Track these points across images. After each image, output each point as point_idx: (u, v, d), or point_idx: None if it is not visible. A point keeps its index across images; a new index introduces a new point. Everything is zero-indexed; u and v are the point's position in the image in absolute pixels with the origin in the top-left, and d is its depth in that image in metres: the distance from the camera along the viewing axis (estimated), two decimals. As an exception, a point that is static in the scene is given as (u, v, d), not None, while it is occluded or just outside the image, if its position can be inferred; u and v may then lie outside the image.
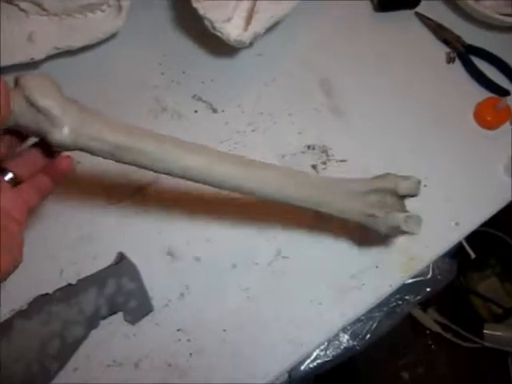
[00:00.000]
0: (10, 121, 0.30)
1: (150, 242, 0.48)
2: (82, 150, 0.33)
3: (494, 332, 1.05)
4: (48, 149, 0.33)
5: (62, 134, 0.31)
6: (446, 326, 1.08)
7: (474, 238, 0.75)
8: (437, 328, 1.08)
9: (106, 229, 0.48)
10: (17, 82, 0.31)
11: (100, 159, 0.34)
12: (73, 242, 0.48)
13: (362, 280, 0.47)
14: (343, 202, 0.41)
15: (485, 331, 1.06)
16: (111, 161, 0.35)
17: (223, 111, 0.54)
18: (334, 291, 0.47)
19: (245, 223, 0.49)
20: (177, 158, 0.36)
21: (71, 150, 0.33)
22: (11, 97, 0.30)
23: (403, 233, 0.41)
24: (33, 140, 0.34)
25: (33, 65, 0.53)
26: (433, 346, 1.12)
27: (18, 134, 0.33)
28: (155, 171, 0.36)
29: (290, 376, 0.56)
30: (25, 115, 0.30)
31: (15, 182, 0.32)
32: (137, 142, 0.34)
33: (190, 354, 0.45)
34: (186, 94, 0.55)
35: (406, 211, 0.43)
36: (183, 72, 0.56)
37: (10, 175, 0.32)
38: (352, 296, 0.47)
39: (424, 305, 1.08)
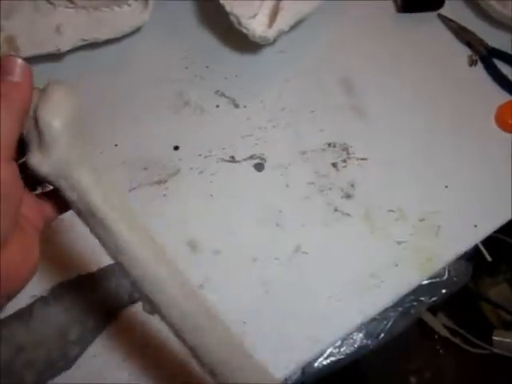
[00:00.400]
0: None
1: (171, 231, 0.48)
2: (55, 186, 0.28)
3: (503, 339, 1.05)
4: None
5: (44, 164, 0.26)
6: (454, 331, 1.08)
7: (485, 243, 0.76)
8: (445, 333, 1.08)
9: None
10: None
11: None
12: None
13: (381, 278, 0.47)
14: None
15: (494, 338, 1.05)
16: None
17: (245, 107, 0.55)
18: (353, 288, 0.47)
19: (265, 218, 0.49)
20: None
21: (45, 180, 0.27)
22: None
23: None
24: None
25: (58, 56, 0.54)
26: (441, 351, 1.12)
27: None
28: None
29: (303, 372, 0.56)
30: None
31: (39, 195, 0.31)
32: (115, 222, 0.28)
33: (208, 346, 0.45)
34: (209, 89, 0.55)
35: None
36: (207, 67, 0.56)
37: (38, 190, 0.31)
38: (371, 294, 0.47)
39: (434, 309, 1.08)
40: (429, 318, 1.08)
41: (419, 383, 1.10)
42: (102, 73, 0.55)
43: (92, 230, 0.28)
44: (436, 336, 1.10)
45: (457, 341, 1.07)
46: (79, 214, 0.28)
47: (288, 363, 0.45)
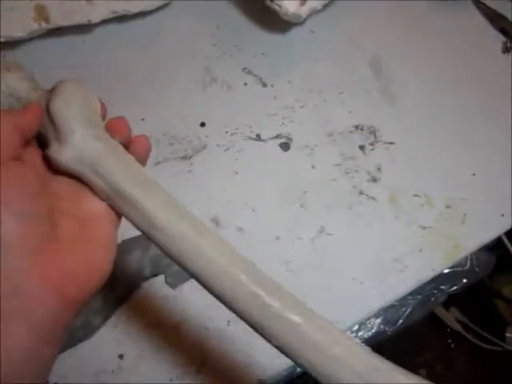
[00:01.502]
0: None
1: (195, 207, 0.48)
2: (79, 177, 0.27)
3: (516, 336, 1.04)
4: None
5: (62, 153, 0.26)
6: (467, 325, 1.07)
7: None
8: (458, 327, 1.07)
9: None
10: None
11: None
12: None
13: (404, 262, 0.47)
14: None
15: (507, 334, 1.04)
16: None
17: (272, 86, 0.54)
18: (376, 271, 0.47)
19: (290, 198, 0.49)
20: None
21: (67, 171, 0.27)
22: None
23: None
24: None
25: (88, 28, 0.54)
26: (452, 345, 1.11)
27: None
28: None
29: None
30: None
31: None
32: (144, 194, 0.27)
33: (228, 322, 0.45)
34: (237, 67, 0.55)
35: None
36: (235, 45, 0.56)
37: None
38: (394, 277, 0.47)
39: (447, 303, 1.07)
40: (441, 312, 1.07)
41: (429, 376, 1.09)
42: (131, 47, 0.55)
43: (121, 210, 0.27)
44: (448, 330, 1.09)
45: (469, 336, 1.06)
46: (106, 197, 0.27)
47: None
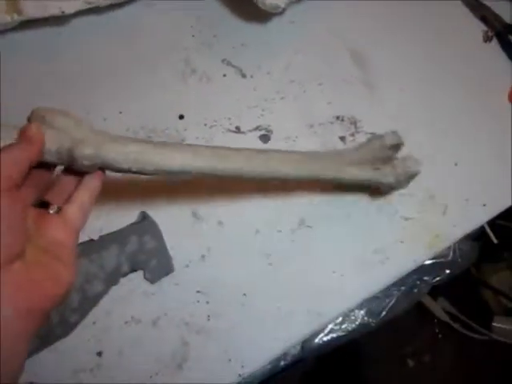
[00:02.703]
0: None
1: (175, 200, 0.47)
2: (103, 163, 0.33)
3: (503, 325, 1.04)
4: (76, 172, 0.34)
5: (86, 150, 0.32)
6: (454, 315, 1.08)
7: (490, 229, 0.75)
8: (445, 317, 1.07)
9: (129, 185, 0.48)
10: (34, 114, 0.33)
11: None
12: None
13: (386, 254, 0.47)
14: (353, 166, 0.44)
15: (494, 324, 1.05)
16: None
17: (252, 77, 0.53)
18: (357, 264, 0.46)
19: (270, 190, 0.48)
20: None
21: (94, 165, 0.33)
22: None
23: (410, 178, 0.46)
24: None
25: (62, 20, 0.53)
26: (440, 335, 1.12)
27: (45, 166, 0.33)
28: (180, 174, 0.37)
29: (302, 348, 0.56)
30: (49, 140, 0.32)
31: (58, 210, 0.32)
32: (153, 148, 0.35)
33: (208, 316, 0.44)
34: (216, 58, 0.54)
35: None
36: (214, 36, 0.55)
37: (54, 207, 0.32)
38: (375, 269, 0.46)
39: (434, 293, 1.07)
40: (429, 302, 1.07)
41: (417, 366, 1.10)
42: (109, 39, 0.54)
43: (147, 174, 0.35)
44: (435, 320, 1.10)
45: (456, 326, 1.07)
46: (133, 173, 0.35)
47: (288, 337, 0.45)
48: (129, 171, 0.35)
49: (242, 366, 0.43)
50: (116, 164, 0.34)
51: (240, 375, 0.43)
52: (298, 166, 0.42)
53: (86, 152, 0.32)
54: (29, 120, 0.33)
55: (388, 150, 0.46)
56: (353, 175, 0.44)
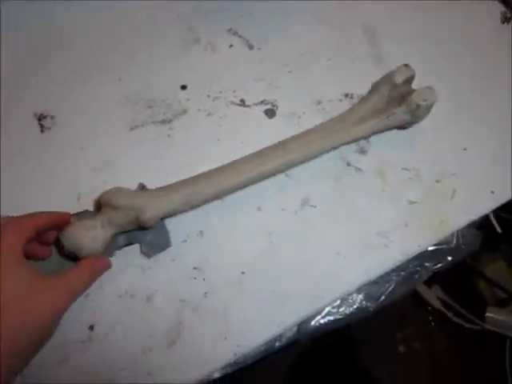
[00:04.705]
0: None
1: (174, 173, 0.46)
2: (163, 217, 0.42)
3: (496, 316, 1.04)
4: None
5: (147, 214, 0.40)
6: (448, 304, 1.07)
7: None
8: (439, 305, 1.07)
9: (127, 157, 0.46)
10: (102, 198, 0.41)
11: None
12: (93, 167, 0.46)
13: (390, 237, 0.45)
14: (366, 122, 0.45)
15: (487, 314, 1.05)
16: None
17: (259, 49, 0.51)
18: (360, 246, 0.45)
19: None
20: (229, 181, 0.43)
21: (157, 221, 0.41)
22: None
23: (427, 109, 0.45)
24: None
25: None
26: (433, 323, 1.12)
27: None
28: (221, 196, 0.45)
29: (298, 330, 0.55)
30: (117, 219, 0.40)
31: None
32: (191, 188, 0.42)
33: (205, 294, 0.43)
34: (222, 27, 0.52)
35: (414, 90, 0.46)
36: (221, 4, 0.52)
37: None
38: (379, 253, 0.45)
39: (429, 281, 1.07)
40: (423, 289, 1.07)
41: (408, 352, 1.10)
42: (108, 3, 0.52)
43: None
44: (429, 308, 1.10)
45: (449, 314, 1.07)
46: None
47: (286, 318, 0.43)
48: (185, 211, 0.43)
49: (238, 345, 0.42)
50: (172, 213, 0.42)
51: (235, 354, 0.42)
52: (314, 147, 0.44)
53: (148, 216, 0.40)
54: (99, 203, 0.41)
55: (401, 87, 0.45)
56: (368, 131, 0.45)
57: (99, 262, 0.40)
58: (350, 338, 1.06)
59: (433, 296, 1.07)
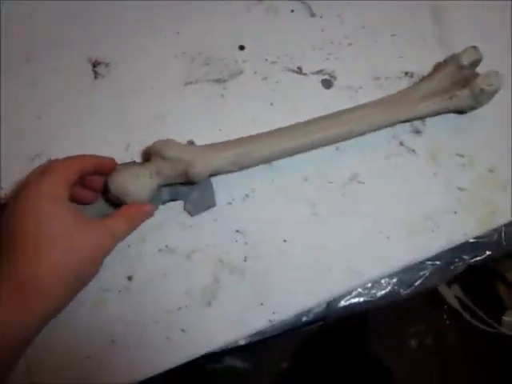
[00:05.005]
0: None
1: (222, 133, 0.45)
2: (211, 173, 0.41)
3: (513, 320, 1.03)
4: None
5: (196, 169, 0.40)
6: (465, 304, 1.06)
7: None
8: (456, 304, 1.06)
9: (179, 111, 0.46)
10: (152, 149, 0.41)
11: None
12: (144, 119, 0.46)
13: (437, 222, 0.44)
14: (427, 101, 0.44)
15: (504, 318, 1.04)
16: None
17: (321, 17, 0.50)
18: (405, 228, 0.44)
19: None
20: (278, 145, 0.43)
21: (205, 177, 0.41)
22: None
23: (491, 95, 0.44)
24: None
25: None
26: (447, 322, 1.11)
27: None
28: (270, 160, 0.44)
29: (328, 307, 0.54)
30: (165, 170, 0.40)
31: None
32: (242, 147, 0.42)
33: (245, 258, 0.43)
34: (286, -9, 0.50)
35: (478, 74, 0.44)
36: (287, -34, 0.51)
37: None
38: (423, 236, 0.44)
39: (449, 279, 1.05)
40: (442, 286, 1.06)
41: (419, 347, 1.10)
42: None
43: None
44: (446, 306, 1.09)
45: (466, 314, 1.06)
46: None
47: (323, 290, 0.43)
48: (232, 171, 0.42)
49: (273, 313, 0.42)
50: (221, 171, 0.42)
51: (271, 321, 0.42)
52: (370, 121, 0.43)
53: (197, 170, 0.40)
54: (148, 153, 0.41)
55: (466, 69, 0.44)
56: (429, 110, 0.44)
57: (142, 208, 0.40)
58: (363, 327, 1.06)
59: (451, 294, 1.06)
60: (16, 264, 0.33)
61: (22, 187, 0.35)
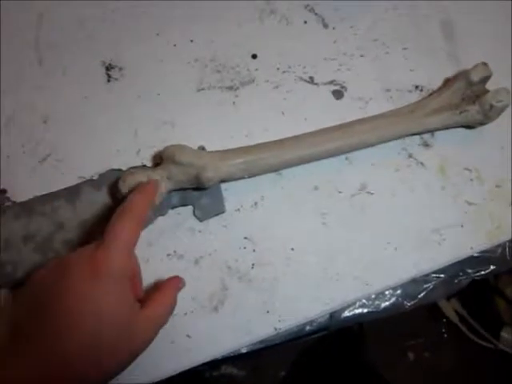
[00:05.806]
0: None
1: (233, 140, 0.45)
2: (222, 179, 0.42)
3: (511, 336, 1.03)
4: None
5: (208, 174, 0.40)
6: (464, 318, 1.06)
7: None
8: (455, 318, 1.06)
9: (190, 117, 0.46)
10: (165, 153, 0.41)
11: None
12: (155, 124, 0.46)
13: (443, 235, 0.44)
14: (436, 116, 0.45)
15: (502, 334, 1.04)
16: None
17: (334, 28, 0.50)
18: (413, 240, 0.44)
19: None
20: (288, 153, 0.43)
21: (216, 183, 0.42)
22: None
23: (500, 111, 0.44)
24: None
25: None
26: (446, 335, 1.11)
27: None
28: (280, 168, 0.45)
29: (331, 317, 0.55)
30: (177, 175, 0.40)
31: None
32: (253, 155, 0.42)
33: (253, 265, 0.43)
34: (299, 2, 0.51)
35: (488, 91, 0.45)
36: (301, -22, 0.52)
37: None
38: (430, 249, 0.44)
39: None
40: (442, 301, 1.06)
41: (416, 361, 1.09)
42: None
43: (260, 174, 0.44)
44: (444, 320, 1.09)
45: (464, 329, 1.06)
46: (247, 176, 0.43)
47: (330, 299, 0.43)
48: (243, 178, 0.43)
49: (279, 321, 0.42)
50: (231, 177, 0.42)
51: (276, 329, 0.42)
52: (381, 133, 0.44)
53: (209, 175, 0.40)
54: (159, 158, 0.43)
55: (476, 85, 0.44)
56: (438, 123, 0.45)
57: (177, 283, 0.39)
58: (362, 337, 1.05)
59: (450, 309, 1.06)
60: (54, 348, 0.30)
61: (73, 263, 0.33)
